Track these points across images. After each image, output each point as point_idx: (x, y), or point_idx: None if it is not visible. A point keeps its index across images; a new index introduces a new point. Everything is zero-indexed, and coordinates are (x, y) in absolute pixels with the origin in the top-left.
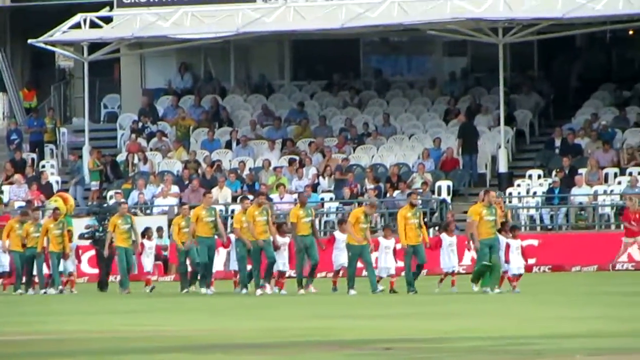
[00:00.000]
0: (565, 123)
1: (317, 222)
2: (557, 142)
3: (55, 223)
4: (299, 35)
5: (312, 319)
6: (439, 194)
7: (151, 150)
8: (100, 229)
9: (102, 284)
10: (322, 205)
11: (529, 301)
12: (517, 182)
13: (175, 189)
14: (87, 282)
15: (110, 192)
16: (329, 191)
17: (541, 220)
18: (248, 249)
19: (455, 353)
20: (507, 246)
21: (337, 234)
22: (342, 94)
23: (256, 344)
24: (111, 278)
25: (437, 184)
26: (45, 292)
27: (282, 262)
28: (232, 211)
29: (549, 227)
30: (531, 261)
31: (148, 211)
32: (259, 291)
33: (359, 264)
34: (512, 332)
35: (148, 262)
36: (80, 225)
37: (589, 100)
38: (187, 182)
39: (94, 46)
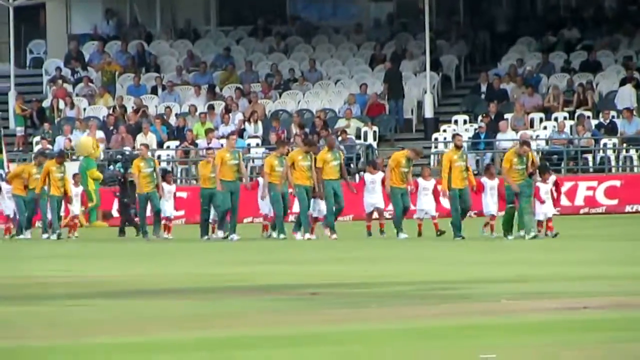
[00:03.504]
0: (491, 68)
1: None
2: (483, 88)
3: (58, 166)
4: None
5: (240, 265)
6: (365, 139)
7: (77, 95)
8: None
9: (122, 230)
10: (249, 151)
11: (458, 246)
12: (443, 127)
13: (100, 134)
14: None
15: (36, 138)
16: (256, 137)
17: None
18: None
19: (381, 298)
20: (537, 189)
21: (367, 175)
22: (268, 39)
23: (179, 289)
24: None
25: (363, 129)
26: (48, 237)
27: (318, 208)
28: (159, 157)
29: (475, 172)
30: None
31: (74, 157)
32: (307, 235)
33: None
34: (440, 276)
35: (168, 206)
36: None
37: (514, 45)
38: (111, 127)
39: None
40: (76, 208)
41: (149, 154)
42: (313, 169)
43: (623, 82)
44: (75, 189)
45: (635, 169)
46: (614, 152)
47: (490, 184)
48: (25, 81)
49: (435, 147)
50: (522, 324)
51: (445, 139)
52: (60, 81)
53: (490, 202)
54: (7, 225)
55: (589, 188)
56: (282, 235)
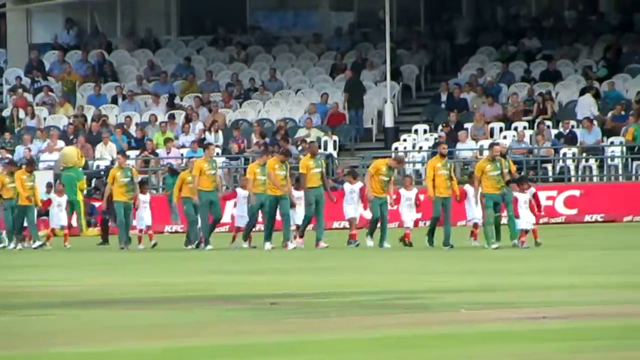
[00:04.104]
0: (451, 78)
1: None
2: (443, 97)
3: (28, 175)
4: None
5: (200, 274)
6: (325, 149)
7: (37, 105)
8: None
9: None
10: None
11: (419, 256)
12: (403, 136)
13: (61, 143)
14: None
15: None
16: (216, 146)
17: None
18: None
19: (342, 307)
20: (515, 200)
21: (347, 185)
22: (228, 49)
23: (142, 299)
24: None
25: (324, 139)
26: (25, 247)
27: (297, 216)
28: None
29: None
30: (417, 215)
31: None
32: (268, 245)
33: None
34: (398, 286)
35: (146, 215)
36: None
37: (474, 55)
38: (72, 137)
39: None
40: (64, 218)
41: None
42: (288, 178)
43: (583, 92)
44: (59, 199)
45: (595, 179)
46: (574, 161)
47: (472, 191)
48: None
49: None
50: (480, 333)
51: (405, 148)
52: (20, 90)
53: (474, 209)
54: None
55: (548, 198)
56: (268, 244)
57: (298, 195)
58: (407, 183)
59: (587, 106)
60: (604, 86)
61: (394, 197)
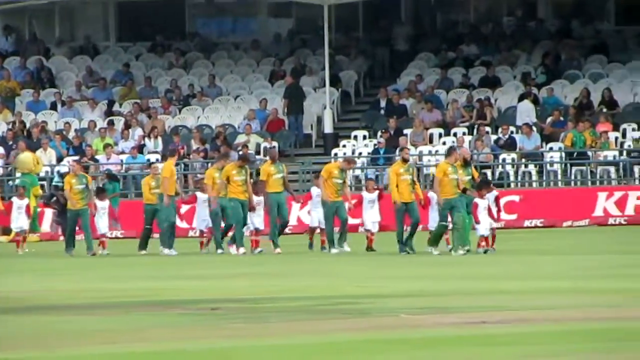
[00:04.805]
0: (390, 84)
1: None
2: (383, 103)
3: None
4: None
5: (141, 280)
6: (265, 155)
7: None
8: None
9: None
10: (149, 166)
11: (360, 261)
12: (342, 142)
13: (0, 150)
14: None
15: None
16: (155, 152)
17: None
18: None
19: (281, 313)
20: (475, 205)
21: (314, 189)
22: (167, 55)
23: (84, 305)
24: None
25: (263, 145)
26: None
27: (258, 220)
28: (58, 172)
29: (375, 187)
30: (356, 221)
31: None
32: (241, 249)
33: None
34: (339, 291)
35: (102, 223)
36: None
37: (413, 61)
38: (11, 143)
39: None
40: (24, 222)
41: (48, 170)
42: (248, 182)
43: (522, 98)
44: (20, 202)
45: (534, 184)
46: (513, 167)
47: (437, 198)
48: None
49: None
50: (419, 339)
51: (344, 154)
52: None
53: (435, 217)
54: None
55: None
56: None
57: (257, 200)
58: (370, 186)
59: (525, 112)
60: (543, 92)
61: (354, 201)
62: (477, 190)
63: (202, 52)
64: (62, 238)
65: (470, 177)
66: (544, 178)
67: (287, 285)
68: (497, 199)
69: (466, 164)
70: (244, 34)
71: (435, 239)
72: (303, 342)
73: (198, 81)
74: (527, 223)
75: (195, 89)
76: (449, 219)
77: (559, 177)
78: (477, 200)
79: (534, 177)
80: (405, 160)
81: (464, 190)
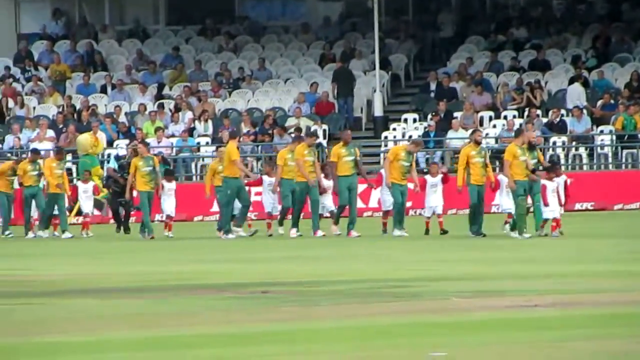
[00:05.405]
0: (440, 67)
1: (193, 166)
2: (432, 86)
3: (58, 162)
4: None
5: (192, 263)
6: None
7: (27, 94)
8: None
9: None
10: (199, 150)
11: (408, 245)
12: (392, 125)
13: (50, 133)
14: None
15: None
16: (205, 135)
17: (417, 163)
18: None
19: (332, 296)
20: (544, 188)
21: (384, 171)
22: (217, 38)
23: (131, 288)
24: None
25: (313, 127)
26: (34, 236)
27: (328, 202)
28: (109, 155)
29: (425, 170)
30: (408, 204)
31: (24, 155)
32: (294, 231)
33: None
34: (390, 275)
35: (169, 204)
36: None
37: (463, 44)
38: (61, 126)
39: None
40: (88, 206)
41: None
42: (316, 163)
43: (572, 81)
44: (85, 186)
45: (585, 167)
46: (564, 150)
47: (507, 182)
48: None
49: (385, 145)
50: (472, 322)
51: (395, 137)
52: (10, 80)
53: (506, 200)
54: None
55: None
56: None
57: (327, 183)
58: (433, 170)
59: (576, 95)
60: (593, 75)
61: (418, 188)
62: (546, 172)
63: (251, 35)
64: (112, 221)
65: (536, 160)
66: (595, 161)
67: (336, 269)
68: (565, 184)
69: (531, 147)
70: (294, 17)
71: (519, 222)
72: (355, 325)
73: (248, 64)
74: (577, 206)
75: (245, 72)
76: (529, 200)
77: (610, 160)
78: (545, 182)
79: (585, 160)
80: (477, 143)
81: (533, 171)
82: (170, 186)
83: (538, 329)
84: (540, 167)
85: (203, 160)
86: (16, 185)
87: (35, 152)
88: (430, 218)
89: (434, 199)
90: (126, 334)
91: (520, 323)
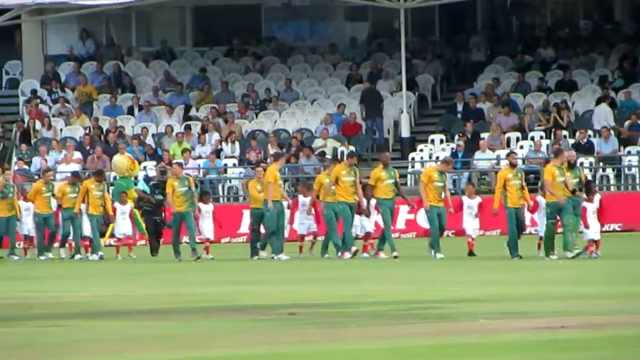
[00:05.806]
0: (467, 88)
1: (220, 187)
2: (459, 107)
3: (97, 184)
4: (200, 1)
5: (219, 285)
6: (341, 159)
7: (54, 116)
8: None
9: (153, 250)
10: (225, 171)
11: (436, 266)
12: (419, 146)
13: (77, 155)
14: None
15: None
16: (232, 157)
17: None
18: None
19: (358, 317)
20: (584, 209)
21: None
22: (243, 59)
23: (158, 310)
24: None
25: (340, 149)
26: (81, 258)
27: (369, 224)
28: (136, 177)
29: (452, 191)
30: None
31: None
32: (347, 254)
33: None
34: (417, 296)
35: (206, 226)
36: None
37: (490, 65)
38: (88, 147)
39: None
40: (128, 227)
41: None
42: (357, 184)
43: (599, 102)
44: (122, 207)
45: (612, 188)
46: (591, 171)
47: (544, 203)
48: (1, 102)
49: (412, 166)
50: (499, 343)
51: (422, 158)
52: (37, 101)
53: (543, 221)
54: (25, 245)
55: None
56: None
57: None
58: (470, 191)
59: (603, 116)
60: (620, 95)
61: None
62: (586, 193)
63: (278, 56)
64: (141, 242)
65: (577, 179)
66: (622, 182)
67: (362, 290)
68: (601, 203)
69: (571, 166)
70: (320, 38)
71: (548, 243)
72: (382, 347)
73: (275, 85)
74: (605, 227)
75: (271, 94)
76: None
77: (637, 180)
78: (585, 204)
79: (612, 181)
80: (513, 165)
81: (573, 192)
82: (207, 208)
83: (565, 350)
84: (581, 188)
85: (230, 181)
86: (54, 207)
87: (75, 174)
88: (474, 239)
89: (471, 220)
90: (153, 355)
91: (547, 344)
